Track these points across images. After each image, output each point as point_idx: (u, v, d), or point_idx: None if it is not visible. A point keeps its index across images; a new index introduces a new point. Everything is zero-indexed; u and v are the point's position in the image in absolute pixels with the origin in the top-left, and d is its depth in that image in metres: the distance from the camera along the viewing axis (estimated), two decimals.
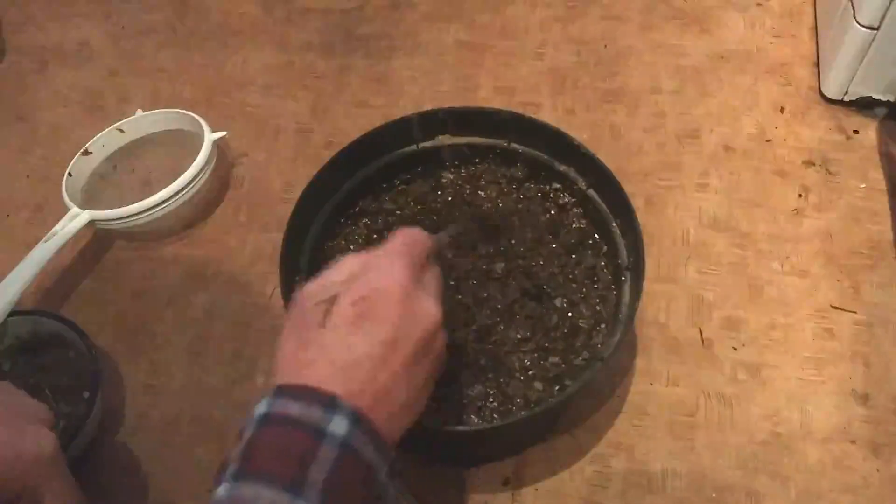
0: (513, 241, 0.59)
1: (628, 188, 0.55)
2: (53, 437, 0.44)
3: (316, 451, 0.34)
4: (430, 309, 0.40)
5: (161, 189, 0.65)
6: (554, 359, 0.54)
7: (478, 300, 0.56)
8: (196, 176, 0.67)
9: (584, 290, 0.56)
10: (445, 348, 0.42)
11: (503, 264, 0.58)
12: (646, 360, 0.60)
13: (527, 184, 0.62)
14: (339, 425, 0.35)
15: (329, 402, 0.36)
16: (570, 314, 0.55)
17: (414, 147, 0.62)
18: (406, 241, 0.42)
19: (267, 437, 0.35)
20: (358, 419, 0.36)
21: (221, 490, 0.34)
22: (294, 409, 0.36)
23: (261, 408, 0.36)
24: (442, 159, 0.63)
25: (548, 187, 0.61)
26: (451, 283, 0.57)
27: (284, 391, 0.37)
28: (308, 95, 0.79)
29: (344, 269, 0.41)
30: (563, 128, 0.58)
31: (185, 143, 0.71)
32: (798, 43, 0.78)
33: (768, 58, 0.77)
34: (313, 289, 0.41)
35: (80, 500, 0.45)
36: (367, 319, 0.38)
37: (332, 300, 0.39)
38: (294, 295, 0.42)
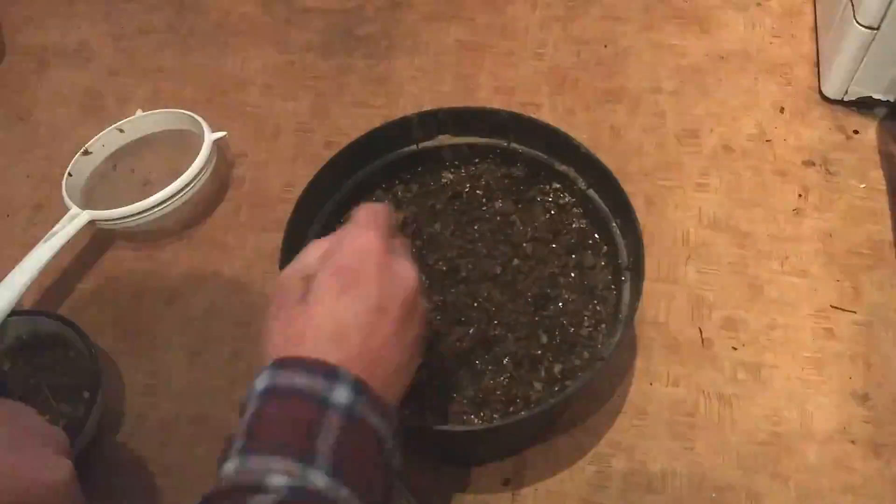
0: (512, 242, 0.59)
1: (628, 188, 0.55)
2: (69, 463, 0.44)
3: (322, 420, 0.35)
4: (408, 271, 0.41)
5: (161, 189, 0.65)
6: (554, 359, 0.54)
7: (477, 300, 0.56)
8: (196, 176, 0.67)
9: (584, 290, 0.56)
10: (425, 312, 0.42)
11: (502, 265, 0.58)
12: (646, 360, 0.60)
13: (527, 184, 0.62)
14: (341, 394, 0.36)
15: (330, 372, 0.36)
16: (570, 314, 0.55)
17: (414, 147, 0.62)
18: (370, 214, 0.43)
19: (272, 410, 0.35)
20: (359, 387, 0.36)
21: (229, 465, 0.34)
22: (298, 380, 0.36)
23: (261, 382, 0.36)
24: (442, 159, 0.63)
25: (548, 187, 0.61)
26: (452, 282, 0.57)
27: (285, 364, 0.37)
28: (308, 95, 0.79)
29: (317, 249, 0.42)
30: (563, 128, 0.58)
31: (185, 143, 0.71)
32: (798, 43, 0.78)
33: (768, 58, 0.77)
34: (290, 271, 0.41)
35: None
36: (350, 288, 0.38)
37: (311, 277, 0.40)
38: (276, 281, 0.42)
